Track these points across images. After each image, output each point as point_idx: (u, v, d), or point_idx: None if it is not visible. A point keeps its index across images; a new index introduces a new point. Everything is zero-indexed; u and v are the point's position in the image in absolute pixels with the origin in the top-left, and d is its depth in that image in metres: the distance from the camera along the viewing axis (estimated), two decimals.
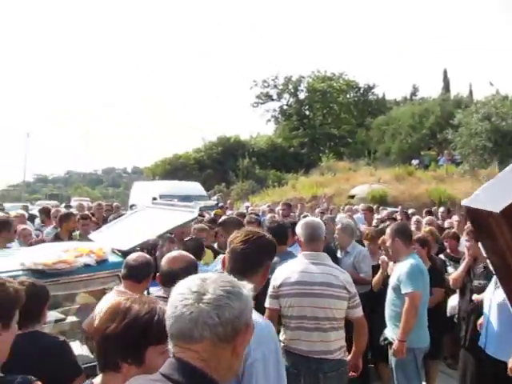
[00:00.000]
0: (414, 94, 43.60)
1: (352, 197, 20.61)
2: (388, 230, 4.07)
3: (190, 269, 2.60)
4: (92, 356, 3.10)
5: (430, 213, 9.52)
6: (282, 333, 3.20)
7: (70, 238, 5.49)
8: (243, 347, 1.24)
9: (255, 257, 2.00)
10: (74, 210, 10.36)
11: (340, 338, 3.15)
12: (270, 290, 3.18)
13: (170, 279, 2.51)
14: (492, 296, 3.66)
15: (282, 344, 3.08)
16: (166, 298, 2.45)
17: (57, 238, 5.87)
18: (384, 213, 9.04)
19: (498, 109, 18.69)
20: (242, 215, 7.18)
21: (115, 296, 3.14)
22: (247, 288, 1.27)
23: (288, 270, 3.21)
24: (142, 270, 3.09)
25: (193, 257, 2.80)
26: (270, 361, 1.74)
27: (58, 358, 2.32)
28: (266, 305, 3.17)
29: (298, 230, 3.37)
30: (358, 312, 3.18)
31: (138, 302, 1.60)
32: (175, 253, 2.87)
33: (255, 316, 1.82)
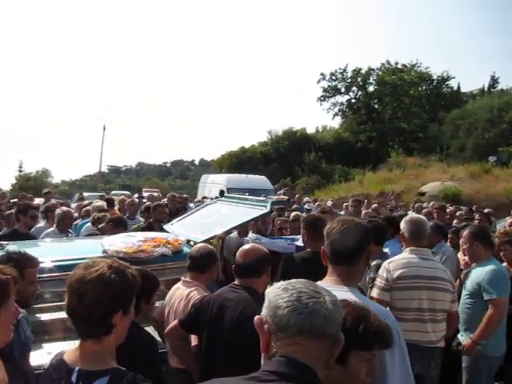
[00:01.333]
0: (492, 85, 40.89)
1: (422, 194, 19.88)
2: (466, 233, 3.90)
3: (263, 261, 2.74)
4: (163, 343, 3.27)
5: None
6: None
7: (161, 228, 5.66)
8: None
9: (356, 244, 2.03)
10: (145, 200, 10.86)
11: (444, 329, 3.37)
12: (382, 282, 3.32)
13: (244, 271, 2.69)
14: None
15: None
16: (238, 287, 2.62)
17: (149, 227, 6.11)
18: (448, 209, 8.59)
19: None
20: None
21: (181, 286, 3.29)
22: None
23: (403, 264, 3.34)
24: (204, 261, 3.26)
25: (265, 249, 2.88)
26: (396, 352, 1.80)
27: (147, 355, 2.42)
28: (375, 296, 3.31)
29: (404, 226, 3.54)
30: (456, 306, 3.49)
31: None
32: (248, 246, 2.95)
33: (374, 305, 1.96)
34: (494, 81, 41.21)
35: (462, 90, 42.02)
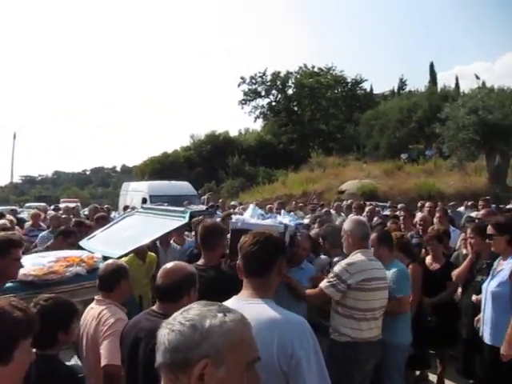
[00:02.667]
0: (401, 87, 43.62)
1: (342, 192, 20.70)
2: (373, 237, 4.01)
3: (182, 284, 2.34)
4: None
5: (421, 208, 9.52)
6: (344, 324, 3.44)
7: None
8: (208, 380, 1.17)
9: (267, 256, 2.06)
10: (61, 212, 10.30)
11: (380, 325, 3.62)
12: (340, 283, 3.38)
13: (161, 295, 2.39)
14: (487, 286, 3.76)
15: (351, 335, 3.41)
16: (155, 315, 2.28)
17: None
18: (366, 208, 8.98)
19: (485, 102, 18.80)
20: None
21: (94, 305, 3.14)
22: (225, 320, 1.21)
23: (363, 267, 3.43)
24: (111, 279, 3.10)
25: (189, 269, 2.46)
26: (311, 356, 1.80)
27: None
28: (327, 291, 3.42)
29: (351, 227, 3.59)
30: None
31: None
32: (170, 265, 2.48)
33: (289, 314, 1.91)
34: (403, 83, 44.01)
35: (375, 91, 44.51)
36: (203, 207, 7.54)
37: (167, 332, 1.18)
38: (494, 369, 3.55)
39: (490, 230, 3.83)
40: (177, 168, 34.76)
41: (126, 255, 3.86)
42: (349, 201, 11.46)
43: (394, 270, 3.96)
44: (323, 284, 3.48)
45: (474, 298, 4.17)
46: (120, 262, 3.23)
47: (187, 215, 4.42)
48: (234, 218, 3.52)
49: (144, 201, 14.62)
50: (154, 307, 2.43)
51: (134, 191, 17.25)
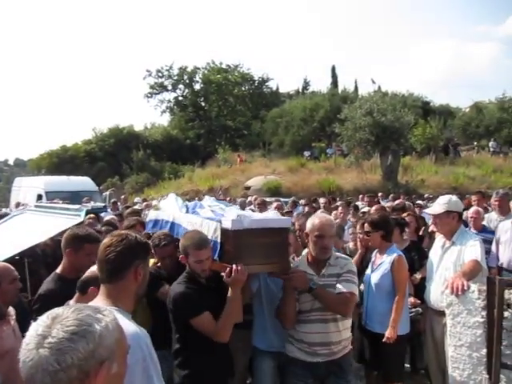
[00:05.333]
0: (305, 88, 45.38)
1: (248, 188, 21.04)
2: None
3: None
4: None
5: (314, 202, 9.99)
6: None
7: None
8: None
9: (120, 259, 1.91)
10: None
11: None
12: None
13: None
14: (369, 278, 4.03)
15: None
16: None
17: None
18: (274, 204, 9.24)
19: (379, 105, 20.24)
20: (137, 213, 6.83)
21: None
22: (107, 321, 1.19)
23: None
24: None
25: None
26: (136, 371, 1.72)
27: None
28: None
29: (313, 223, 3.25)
30: None
31: None
32: None
33: (125, 327, 1.76)
34: (307, 84, 45.88)
35: (280, 90, 45.77)
36: (100, 204, 7.21)
37: (49, 352, 1.07)
38: (382, 352, 3.83)
39: (366, 227, 4.11)
40: (77, 162, 33.10)
41: (11, 258, 3.56)
42: (253, 197, 11.71)
43: None
44: None
45: (361, 287, 4.47)
46: (1, 264, 2.98)
47: (83, 213, 4.20)
48: (236, 214, 2.97)
49: (39, 197, 13.68)
50: None
51: (28, 187, 16.08)
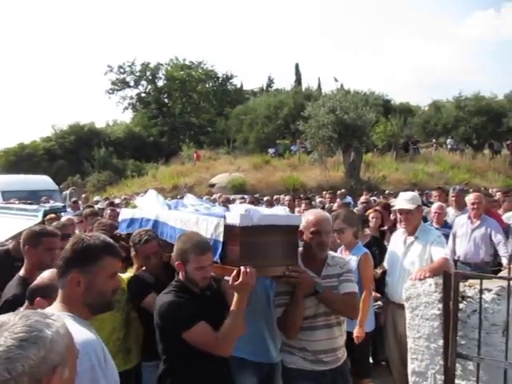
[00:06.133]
0: (269, 85, 45.51)
1: (212, 186, 20.97)
2: None
3: None
4: None
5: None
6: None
7: None
8: None
9: (61, 263, 1.85)
10: None
11: None
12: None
13: None
14: None
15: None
16: None
17: None
18: (238, 202, 9.31)
19: (342, 103, 20.55)
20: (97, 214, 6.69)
21: None
22: (57, 326, 1.16)
23: None
24: None
25: None
26: (84, 380, 1.62)
27: None
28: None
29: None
30: None
31: None
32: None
33: (74, 334, 1.59)
34: (271, 81, 46.03)
35: (245, 88, 45.73)
36: (59, 204, 7.00)
37: (1, 362, 1.02)
38: (351, 351, 3.87)
39: (339, 223, 3.98)
40: (35, 161, 32.13)
41: None
42: (217, 194, 11.70)
43: None
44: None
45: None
46: None
47: (40, 214, 4.05)
48: (245, 209, 2.67)
49: None
50: None
51: None
